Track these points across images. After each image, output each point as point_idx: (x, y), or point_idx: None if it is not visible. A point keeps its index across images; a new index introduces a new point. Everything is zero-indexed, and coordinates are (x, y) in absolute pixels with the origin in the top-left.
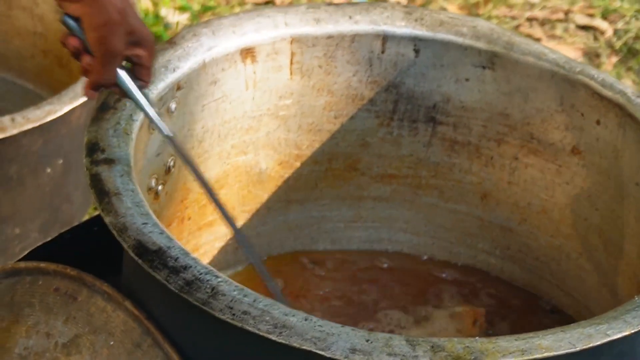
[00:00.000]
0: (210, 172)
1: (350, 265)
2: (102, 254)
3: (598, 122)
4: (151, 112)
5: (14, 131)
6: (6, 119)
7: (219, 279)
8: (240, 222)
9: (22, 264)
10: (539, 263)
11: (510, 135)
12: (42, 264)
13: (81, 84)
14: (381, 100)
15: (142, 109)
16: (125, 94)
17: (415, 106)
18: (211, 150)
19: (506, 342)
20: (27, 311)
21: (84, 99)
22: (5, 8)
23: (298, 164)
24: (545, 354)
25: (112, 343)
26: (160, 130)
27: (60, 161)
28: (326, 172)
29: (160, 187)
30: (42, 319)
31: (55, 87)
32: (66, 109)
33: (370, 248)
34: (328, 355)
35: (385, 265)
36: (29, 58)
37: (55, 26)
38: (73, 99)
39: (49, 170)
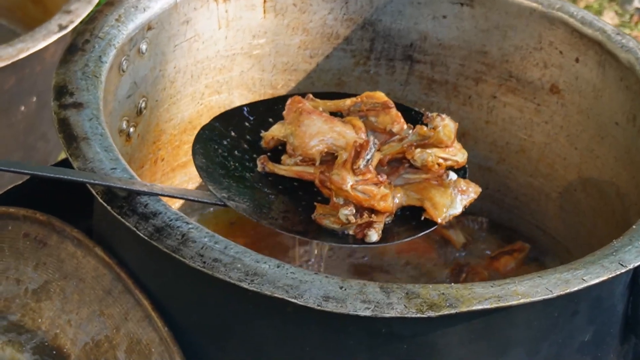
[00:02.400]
0: (184, 112)
1: None
2: (74, 197)
3: (577, 60)
4: None
5: None
6: None
7: (190, 226)
8: None
9: None
10: (519, 203)
11: (488, 74)
12: (11, 209)
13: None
14: (357, 38)
15: None
16: None
17: (392, 44)
18: (184, 90)
19: (482, 289)
20: None
21: (58, 35)
22: None
23: None
24: (522, 300)
25: (82, 289)
26: None
27: (34, 99)
28: None
29: (132, 129)
30: (11, 264)
31: (29, 23)
32: (39, 46)
33: None
34: (300, 303)
35: None
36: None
37: None
38: (46, 36)
39: (22, 108)
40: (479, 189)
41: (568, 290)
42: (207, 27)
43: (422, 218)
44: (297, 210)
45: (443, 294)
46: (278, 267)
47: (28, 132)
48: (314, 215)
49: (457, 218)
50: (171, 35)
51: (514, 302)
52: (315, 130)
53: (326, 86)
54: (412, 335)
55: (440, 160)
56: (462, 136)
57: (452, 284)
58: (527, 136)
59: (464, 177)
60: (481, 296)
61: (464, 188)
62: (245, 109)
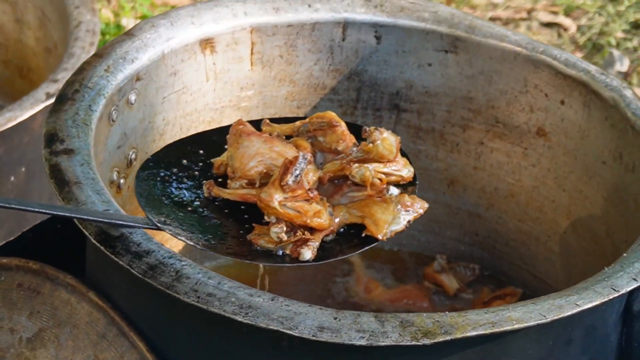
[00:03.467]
0: None
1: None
2: (65, 251)
3: (562, 102)
4: None
5: None
6: None
7: (183, 263)
8: None
9: None
10: (509, 248)
11: (474, 120)
12: (4, 260)
13: (42, 90)
14: (344, 88)
15: None
16: None
17: (378, 94)
18: None
19: (476, 315)
20: None
21: (45, 104)
22: None
23: None
24: (516, 326)
25: (77, 335)
26: None
27: (23, 169)
28: None
29: (122, 181)
30: (5, 315)
31: (17, 98)
32: (27, 114)
33: None
34: (296, 334)
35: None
36: None
37: (14, 36)
38: (34, 104)
39: (12, 179)
40: (426, 205)
41: (562, 315)
42: (195, 80)
43: (363, 235)
44: (239, 232)
45: (437, 321)
46: (272, 300)
47: None
48: (249, 236)
49: (450, 265)
50: (159, 86)
51: (509, 328)
52: (254, 151)
53: None
54: None
55: (382, 176)
56: (450, 183)
57: (447, 312)
58: (515, 181)
59: (413, 193)
60: (476, 322)
61: (409, 204)
62: (199, 137)
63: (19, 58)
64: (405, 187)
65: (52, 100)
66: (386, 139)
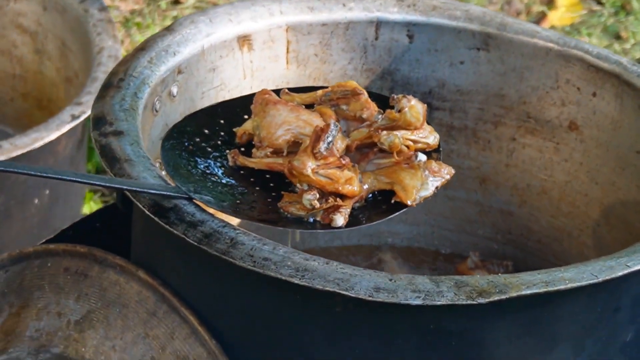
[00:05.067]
0: None
1: (352, 261)
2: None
3: (594, 95)
4: None
5: (1, 158)
6: None
7: (237, 231)
8: None
9: (30, 249)
10: (541, 245)
11: (506, 117)
12: (51, 246)
13: (67, 112)
14: (377, 88)
15: None
16: None
17: (411, 92)
18: None
19: (529, 276)
20: (36, 294)
21: (70, 125)
22: None
23: None
24: (569, 285)
25: (126, 314)
26: None
27: (47, 192)
28: None
29: (163, 173)
30: (52, 299)
31: None
32: (53, 135)
33: (369, 242)
34: (352, 295)
35: (387, 260)
36: (9, 102)
37: (33, 67)
38: (60, 126)
39: (36, 201)
40: (453, 171)
41: (613, 276)
42: (233, 76)
43: (393, 201)
44: (267, 201)
45: (492, 281)
46: (327, 263)
47: (42, 225)
48: (280, 204)
49: (483, 263)
50: (199, 81)
51: (562, 287)
52: (281, 120)
53: None
54: (460, 331)
55: (409, 143)
56: (482, 181)
57: (500, 274)
58: (547, 176)
59: (438, 159)
60: (529, 282)
61: (436, 169)
62: (218, 108)
63: (38, 89)
64: (430, 153)
65: (77, 122)
66: (414, 107)
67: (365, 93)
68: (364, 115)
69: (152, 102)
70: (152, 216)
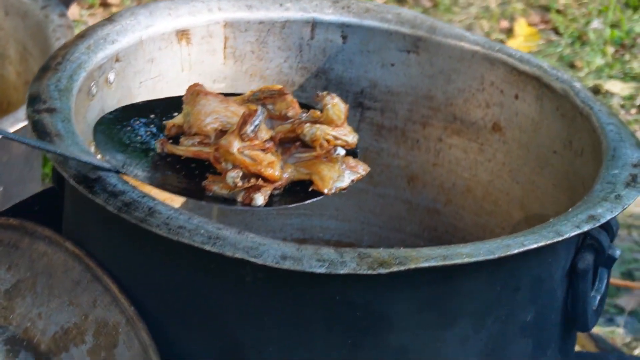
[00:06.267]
0: None
1: None
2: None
3: (517, 97)
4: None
5: None
6: None
7: (155, 202)
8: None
9: None
10: (466, 242)
11: (434, 118)
12: None
13: (22, 111)
14: (311, 86)
15: None
16: None
17: (343, 92)
18: None
19: (429, 250)
20: None
21: (24, 124)
22: None
23: None
24: (466, 260)
25: (52, 283)
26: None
27: (1, 189)
28: None
29: (99, 157)
30: None
31: None
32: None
33: (301, 236)
34: (260, 262)
35: None
36: None
37: None
38: (13, 123)
39: None
40: (368, 168)
41: (508, 253)
42: (171, 68)
43: (310, 189)
44: (193, 181)
45: (393, 254)
46: (238, 233)
47: None
48: (204, 183)
49: None
50: (137, 70)
51: (459, 261)
52: (211, 109)
53: None
54: (364, 303)
55: (330, 137)
56: (411, 180)
57: (402, 247)
58: (472, 176)
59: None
60: (428, 255)
61: (353, 165)
62: (153, 104)
63: (0, 92)
64: (348, 153)
65: None
66: (336, 104)
67: (290, 94)
68: (289, 114)
69: (88, 86)
70: (77, 185)
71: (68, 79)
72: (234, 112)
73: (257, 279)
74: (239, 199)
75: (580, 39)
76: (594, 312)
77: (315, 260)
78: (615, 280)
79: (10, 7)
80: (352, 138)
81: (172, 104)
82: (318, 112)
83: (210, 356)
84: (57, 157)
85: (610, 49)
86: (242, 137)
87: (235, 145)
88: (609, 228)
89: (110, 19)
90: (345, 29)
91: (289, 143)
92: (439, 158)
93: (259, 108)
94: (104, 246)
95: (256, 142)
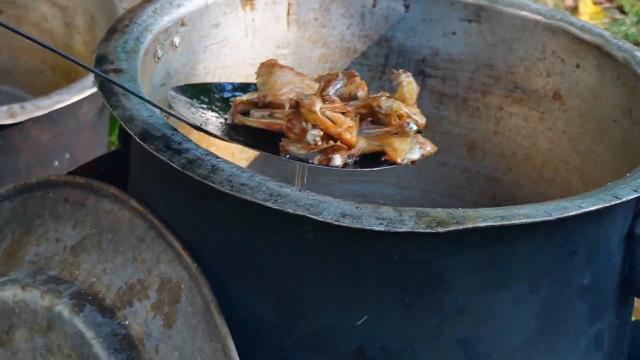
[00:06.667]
0: None
1: None
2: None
3: (578, 66)
4: None
5: (23, 118)
6: (16, 106)
7: (219, 159)
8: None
9: (34, 180)
10: None
11: (495, 86)
12: (52, 177)
13: (89, 78)
14: (373, 54)
15: None
16: None
17: (405, 60)
18: None
19: (487, 211)
20: (37, 222)
21: (92, 91)
22: (14, 23)
23: None
24: (523, 220)
25: (117, 240)
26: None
27: (67, 155)
28: None
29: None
30: (51, 227)
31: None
32: (75, 98)
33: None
34: (320, 219)
35: None
36: (38, 73)
37: (63, 41)
38: (81, 90)
39: (56, 163)
40: (436, 148)
41: (566, 215)
42: (236, 34)
43: (382, 159)
44: (267, 145)
45: (451, 213)
46: (299, 190)
47: None
48: (282, 143)
49: None
50: (202, 35)
51: (516, 221)
52: (287, 80)
53: None
54: (421, 262)
55: (403, 112)
56: (471, 148)
57: (460, 208)
58: (531, 144)
59: None
60: (486, 215)
61: (423, 141)
62: (213, 84)
63: (67, 62)
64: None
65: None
66: (411, 83)
67: (359, 77)
68: (359, 94)
69: (154, 48)
70: (142, 143)
71: (135, 41)
72: (309, 84)
73: (317, 236)
74: (316, 161)
75: None
76: None
77: (374, 218)
78: None
79: None
80: (421, 119)
81: (240, 87)
82: (387, 94)
83: (269, 313)
84: (125, 116)
85: None
86: (324, 98)
87: (318, 104)
88: None
89: None
90: None
91: (361, 119)
92: (499, 126)
93: (340, 73)
94: (168, 204)
95: (337, 104)
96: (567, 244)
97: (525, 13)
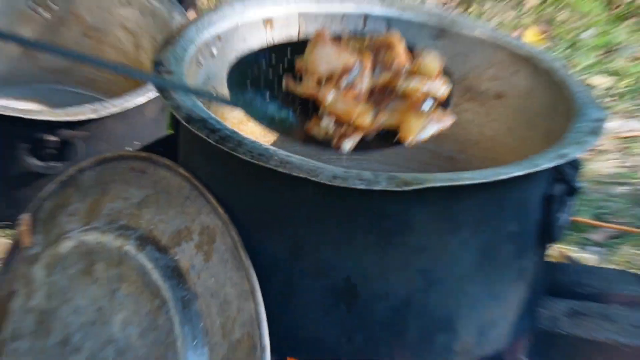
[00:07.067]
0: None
1: None
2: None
3: (516, 72)
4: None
5: (104, 114)
6: (99, 105)
7: (243, 136)
8: None
9: (109, 154)
10: None
11: (453, 88)
12: (122, 152)
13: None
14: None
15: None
16: None
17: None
18: None
19: (441, 175)
20: (111, 185)
21: (154, 95)
22: (98, 45)
23: None
24: (466, 182)
25: (170, 198)
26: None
27: (137, 143)
28: None
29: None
30: (122, 189)
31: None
32: (141, 100)
33: None
34: (317, 180)
35: None
36: (115, 82)
37: (133, 58)
38: (146, 93)
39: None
40: (454, 117)
41: (498, 178)
42: (257, 47)
43: (395, 140)
44: (299, 124)
45: (415, 176)
46: (302, 160)
47: None
48: (307, 126)
49: None
50: (233, 48)
51: (461, 182)
52: (324, 57)
53: None
54: (392, 213)
55: (419, 93)
56: (435, 135)
57: (422, 173)
58: (480, 132)
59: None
60: (440, 178)
61: (441, 115)
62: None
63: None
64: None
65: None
66: (428, 61)
67: (401, 46)
68: (394, 64)
69: (197, 57)
70: (187, 125)
71: (182, 51)
72: (343, 60)
73: (316, 193)
74: (332, 143)
75: (574, 45)
76: (560, 228)
77: (357, 179)
78: (588, 220)
79: (144, 9)
80: (442, 91)
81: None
82: (417, 65)
83: (281, 250)
84: (174, 105)
85: (595, 53)
86: (338, 87)
87: (329, 97)
88: (575, 166)
89: (214, 9)
90: (389, 21)
91: (388, 92)
92: (458, 119)
93: (356, 64)
94: (206, 171)
95: (350, 93)
96: (500, 200)
97: (475, 33)
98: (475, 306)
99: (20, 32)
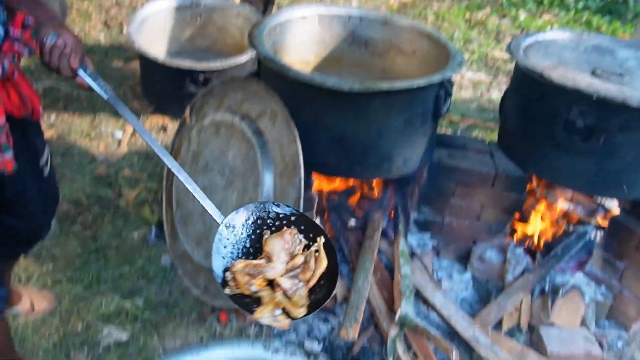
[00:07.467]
0: None
1: None
2: None
3: (422, 40)
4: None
5: (225, 65)
6: (224, 61)
7: (298, 70)
8: None
9: (227, 79)
10: None
11: (392, 50)
12: (234, 77)
13: (248, 53)
14: (348, 39)
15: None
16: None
17: (359, 41)
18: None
19: (383, 83)
20: (228, 92)
21: (251, 55)
22: (216, 27)
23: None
24: (396, 87)
25: (257, 98)
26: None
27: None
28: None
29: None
30: (232, 94)
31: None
32: (243, 59)
33: None
34: (323, 86)
35: None
36: (232, 51)
37: (240, 41)
38: (245, 55)
39: None
40: (290, 322)
41: (413, 86)
42: (298, 33)
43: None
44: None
45: (374, 83)
46: (324, 78)
47: None
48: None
49: None
50: (287, 31)
51: (392, 88)
52: (277, 249)
53: (336, 51)
54: (362, 102)
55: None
56: (382, 72)
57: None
58: (404, 71)
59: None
60: (383, 85)
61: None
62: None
63: (241, 48)
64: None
65: (252, 54)
66: (270, 247)
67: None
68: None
69: (269, 33)
70: (264, 60)
71: (260, 33)
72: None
73: (340, 99)
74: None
75: (451, 38)
76: (443, 113)
77: (343, 84)
78: (456, 117)
79: (246, 17)
80: (271, 274)
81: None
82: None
83: (308, 119)
84: (259, 51)
85: (459, 43)
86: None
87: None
88: (450, 83)
89: (278, 10)
90: (361, 19)
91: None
92: (394, 64)
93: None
94: (272, 84)
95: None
96: (413, 97)
97: (403, 23)
98: (402, 148)
99: (186, 31)
